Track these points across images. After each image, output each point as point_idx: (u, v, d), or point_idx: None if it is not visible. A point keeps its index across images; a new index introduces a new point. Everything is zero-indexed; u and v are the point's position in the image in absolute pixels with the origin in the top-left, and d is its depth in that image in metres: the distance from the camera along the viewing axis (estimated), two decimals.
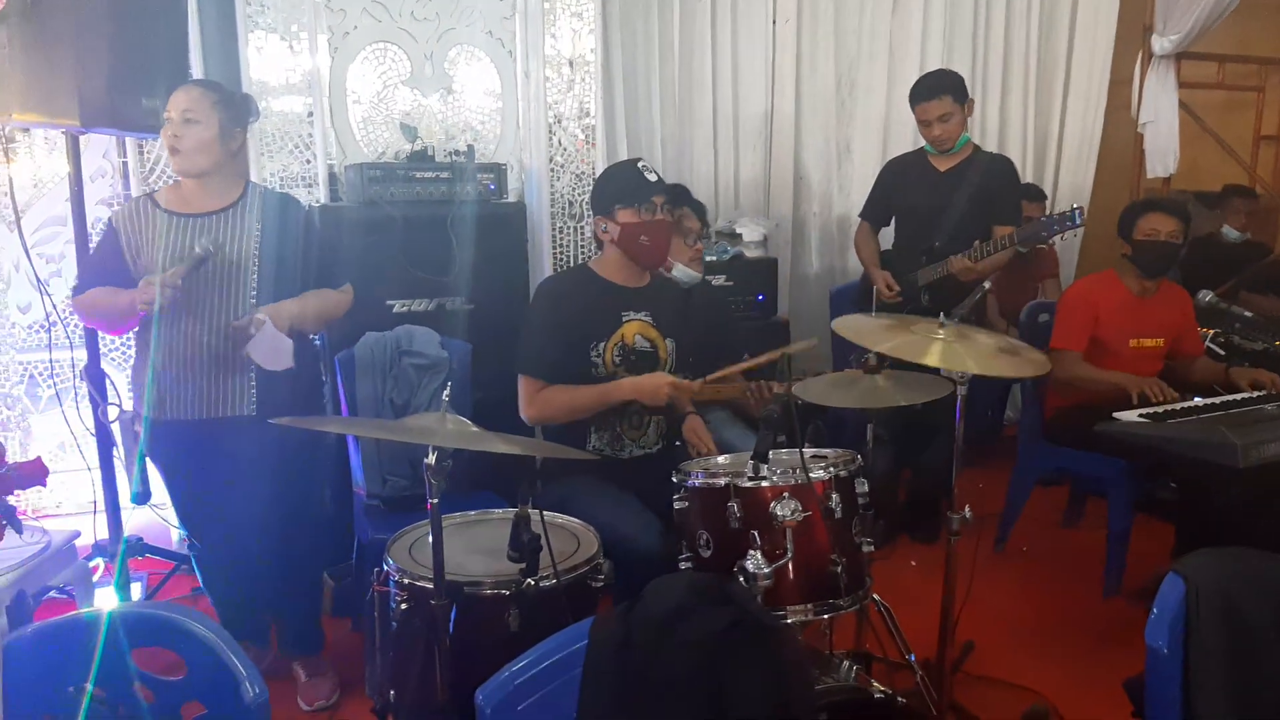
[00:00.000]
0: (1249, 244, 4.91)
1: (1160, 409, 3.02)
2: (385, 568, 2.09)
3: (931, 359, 2.14)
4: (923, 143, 3.77)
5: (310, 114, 3.62)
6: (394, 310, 3.48)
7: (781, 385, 1.96)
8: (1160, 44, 4.61)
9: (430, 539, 2.04)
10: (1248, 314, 3.24)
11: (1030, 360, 2.32)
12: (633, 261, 2.61)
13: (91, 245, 3.34)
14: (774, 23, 4.66)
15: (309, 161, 3.58)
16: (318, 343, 2.97)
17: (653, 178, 2.57)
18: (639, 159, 2.64)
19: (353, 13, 3.68)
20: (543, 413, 2.56)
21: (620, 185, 2.60)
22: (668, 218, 2.62)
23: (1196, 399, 3.14)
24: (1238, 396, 3.14)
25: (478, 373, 3.24)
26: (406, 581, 2.01)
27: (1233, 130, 5.27)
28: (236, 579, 2.61)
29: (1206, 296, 3.36)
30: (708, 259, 4.22)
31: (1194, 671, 1.52)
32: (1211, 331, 3.71)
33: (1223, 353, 3.67)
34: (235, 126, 2.49)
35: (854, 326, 2.34)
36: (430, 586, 1.91)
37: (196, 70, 3.30)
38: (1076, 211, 3.30)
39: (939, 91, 3.59)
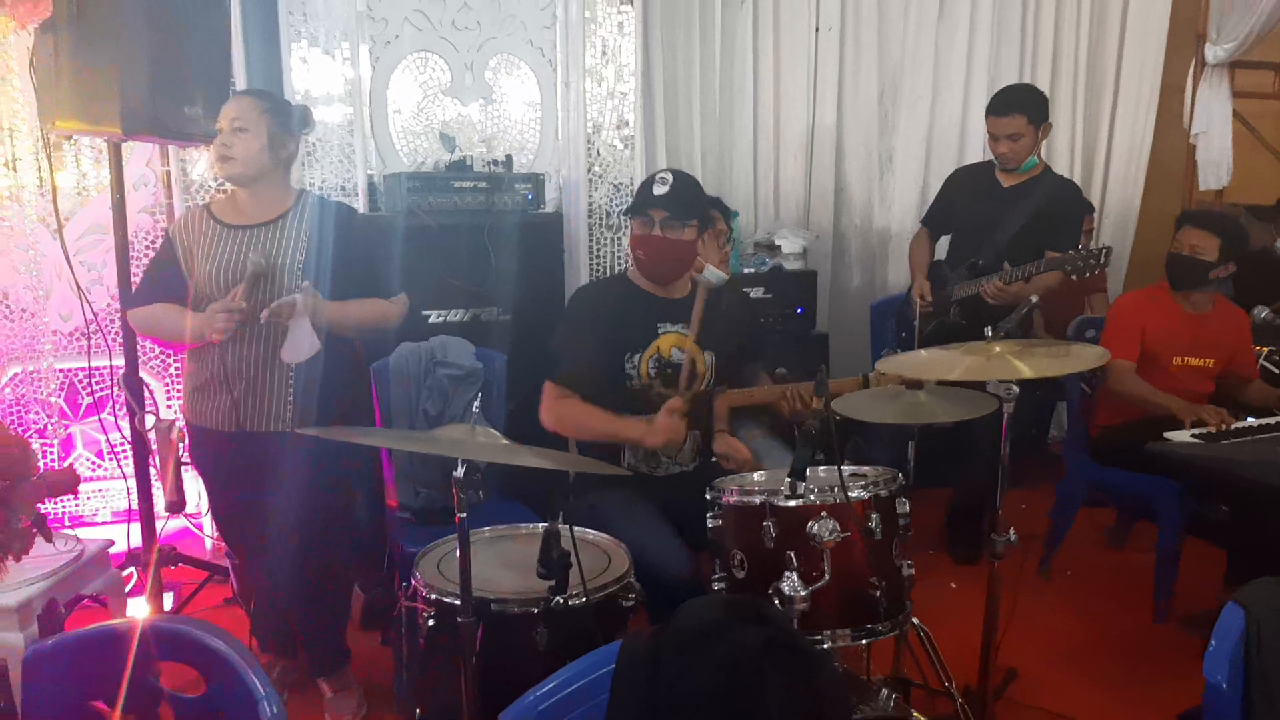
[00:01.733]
0: None
1: (1213, 429, 2.92)
2: (413, 582, 2.06)
3: (990, 374, 2.11)
4: (972, 157, 3.70)
5: (350, 123, 3.63)
6: (429, 320, 3.48)
7: (818, 399, 1.90)
8: (1214, 52, 4.50)
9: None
10: None
11: (1082, 356, 2.28)
12: (647, 275, 2.57)
13: (136, 253, 3.41)
14: (816, 31, 4.60)
15: (349, 171, 3.59)
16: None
17: (660, 190, 2.47)
18: (665, 170, 2.58)
19: (394, 22, 3.69)
20: (557, 424, 2.51)
21: (634, 195, 2.59)
22: (671, 235, 2.48)
23: (1250, 419, 3.03)
24: None
25: (513, 384, 3.22)
26: (434, 597, 1.98)
27: None
28: (269, 591, 2.60)
29: (1262, 313, 3.24)
30: (746, 271, 4.18)
31: (1256, 708, 1.44)
32: (1267, 350, 3.58)
33: (1277, 371, 3.54)
34: (286, 135, 2.46)
35: (902, 363, 2.30)
36: (458, 603, 1.88)
37: (239, 80, 3.32)
38: (1103, 252, 3.18)
39: (1013, 109, 3.48)
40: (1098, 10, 4.92)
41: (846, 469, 1.97)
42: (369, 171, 3.72)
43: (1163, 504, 3.20)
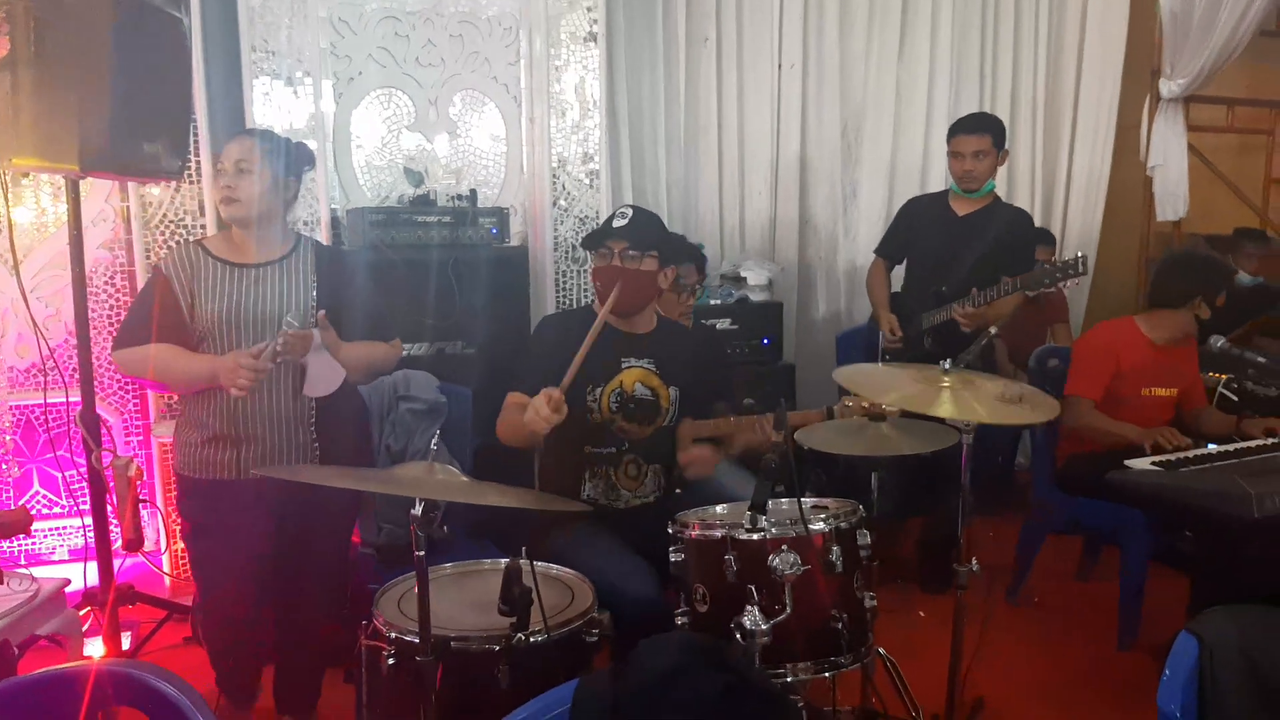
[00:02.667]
0: (1261, 288, 4.84)
1: (1174, 457, 2.95)
2: (373, 620, 2.03)
3: (937, 409, 2.09)
4: (932, 185, 3.75)
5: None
6: (400, 350, 3.45)
7: (778, 433, 1.90)
8: (1169, 87, 4.60)
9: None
10: (1261, 359, 3.18)
11: (1036, 407, 2.26)
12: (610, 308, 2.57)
13: (94, 289, 3.37)
14: (779, 68, 4.67)
15: (311, 205, 3.57)
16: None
17: (619, 223, 2.48)
18: (626, 206, 2.60)
19: (358, 59, 3.70)
20: (500, 431, 2.48)
21: (596, 231, 2.59)
22: (630, 266, 2.47)
23: (1211, 446, 3.07)
24: (1253, 444, 3.07)
25: (479, 418, 3.20)
26: (394, 635, 1.95)
27: (1244, 173, 5.25)
28: (241, 635, 2.53)
29: (1219, 342, 3.29)
30: (712, 303, 4.20)
31: None
32: (1224, 377, 3.64)
33: (1236, 399, 3.59)
34: (289, 176, 2.45)
35: (857, 377, 2.30)
36: (417, 641, 1.85)
37: (200, 115, 3.31)
38: (1080, 260, 3.25)
39: (981, 129, 3.59)
40: (1054, 47, 5.03)
41: (807, 501, 1.97)
42: (332, 206, 3.71)
43: (1127, 533, 3.22)
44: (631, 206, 2.57)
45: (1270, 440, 3.11)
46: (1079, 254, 3.28)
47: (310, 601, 2.54)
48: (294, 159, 2.47)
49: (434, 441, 1.87)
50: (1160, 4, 4.50)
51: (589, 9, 3.88)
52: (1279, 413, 3.33)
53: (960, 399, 2.12)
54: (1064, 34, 5.05)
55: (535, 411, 2.20)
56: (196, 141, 3.33)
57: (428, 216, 3.55)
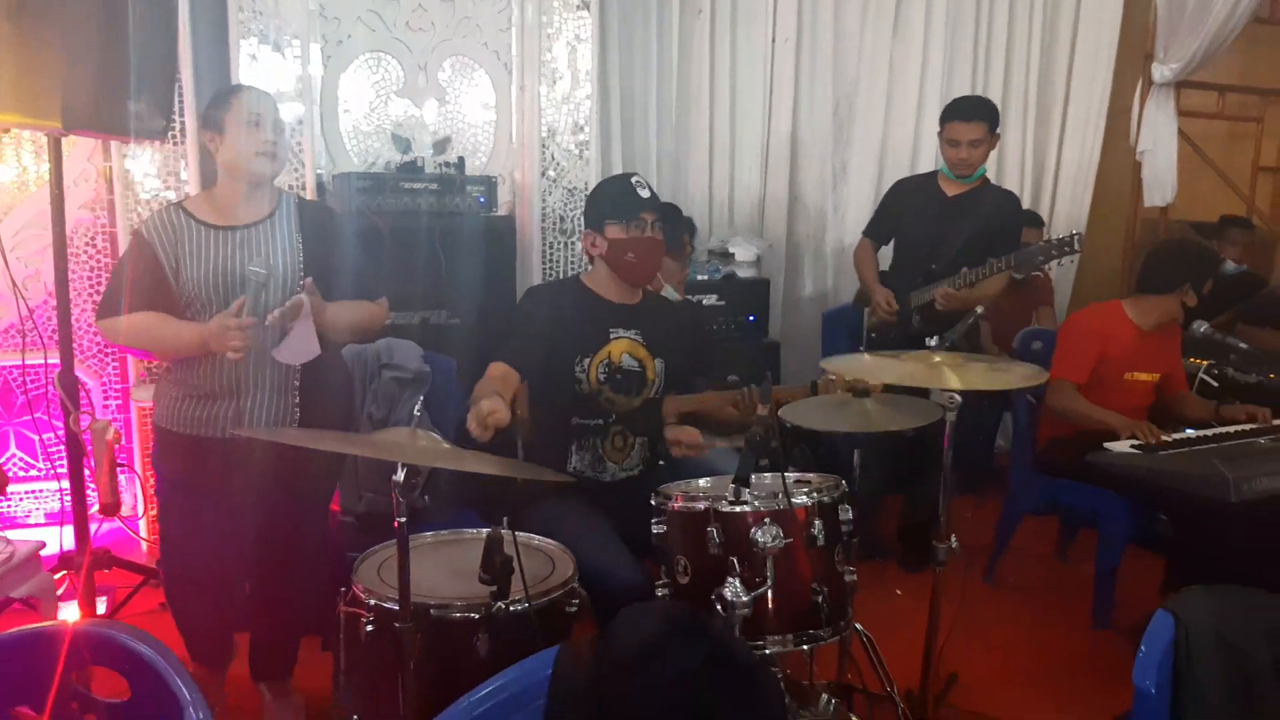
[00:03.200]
0: (1245, 276, 4.87)
1: (1152, 440, 2.98)
2: (352, 588, 2.02)
3: (937, 381, 2.14)
4: (923, 167, 3.74)
5: (300, 122, 3.58)
6: (386, 310, 3.43)
7: (763, 406, 1.90)
8: (1160, 72, 4.60)
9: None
10: (1243, 346, 3.20)
11: (1021, 374, 2.32)
12: (620, 278, 2.57)
13: (74, 249, 3.33)
14: (773, 42, 4.63)
15: (297, 170, 3.53)
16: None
17: (645, 194, 2.52)
18: (633, 174, 2.60)
19: (347, 21, 3.65)
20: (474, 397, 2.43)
21: (612, 200, 2.56)
22: (658, 236, 2.56)
23: (1189, 430, 3.09)
24: (1231, 429, 3.10)
25: (463, 389, 3.19)
26: (373, 603, 1.95)
27: (1232, 161, 5.26)
28: (207, 596, 2.52)
29: (1202, 328, 3.32)
30: (699, 278, 4.19)
31: (1188, 715, 1.46)
32: (1205, 363, 3.67)
33: (1216, 385, 3.62)
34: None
35: (847, 365, 2.31)
36: (396, 608, 1.85)
37: (185, 76, 3.26)
38: (1076, 237, 3.26)
39: (977, 116, 3.56)
40: (1048, 28, 5.02)
41: (790, 476, 1.97)
42: (318, 170, 3.67)
43: (1104, 514, 3.25)
44: (638, 174, 2.59)
45: (1249, 426, 3.14)
46: (1074, 232, 3.29)
47: (287, 567, 2.52)
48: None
49: (417, 408, 1.85)
50: None
51: None
52: (1258, 399, 3.35)
53: (959, 372, 2.17)
54: (1058, 16, 5.03)
55: (471, 420, 2.15)
56: (180, 102, 3.28)
57: (415, 184, 3.52)
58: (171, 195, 3.35)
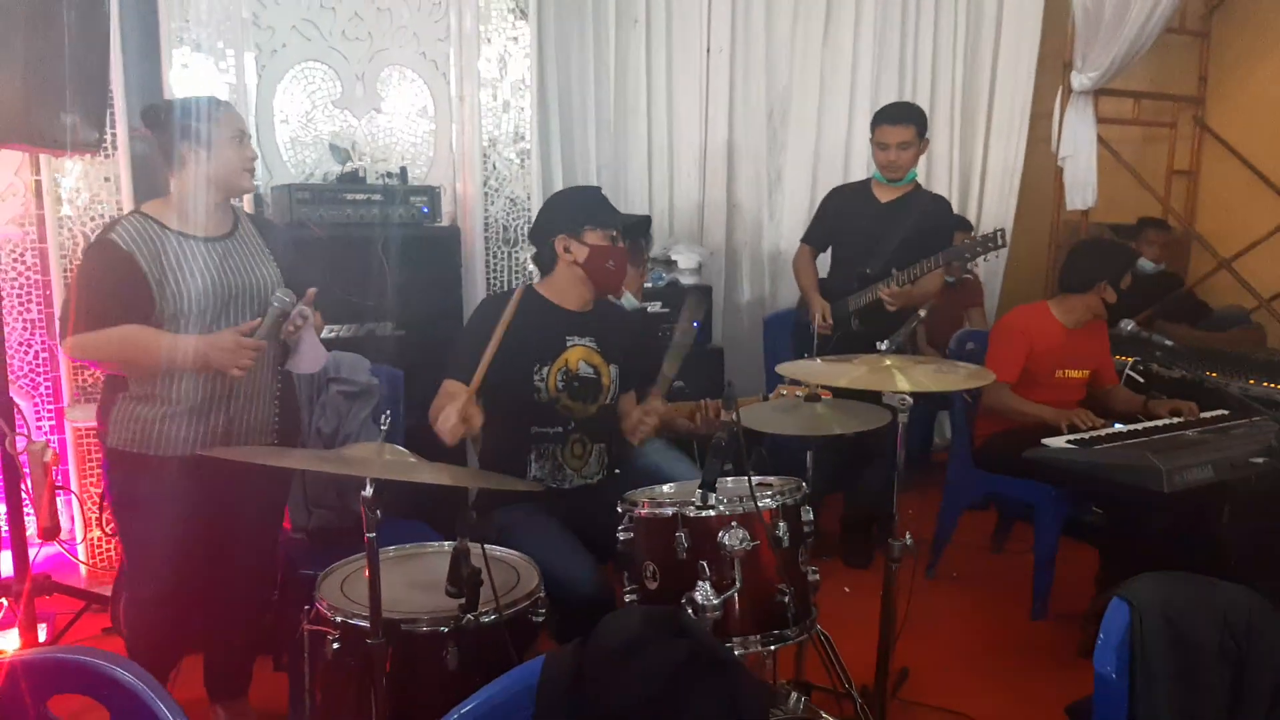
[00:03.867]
0: (1163, 275, 5.09)
1: (1087, 435, 3.10)
2: (316, 605, 2.00)
3: (893, 385, 2.20)
4: (857, 175, 3.84)
5: None
6: (321, 336, 3.38)
7: (728, 413, 1.94)
8: (1079, 80, 4.77)
9: (362, 574, 1.98)
10: (1168, 343, 3.35)
11: (970, 374, 2.43)
12: (592, 284, 2.59)
13: (1, 266, 3.21)
14: (708, 52, 4.69)
15: None
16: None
17: (611, 203, 2.63)
18: (599, 186, 2.67)
19: (282, 31, 3.59)
20: (433, 419, 2.42)
21: (592, 207, 2.60)
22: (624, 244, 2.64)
23: (1118, 425, 3.23)
24: (1160, 423, 3.24)
25: (410, 400, 3.16)
26: (339, 620, 1.93)
27: (1147, 164, 5.47)
28: (176, 621, 2.43)
29: (1129, 326, 3.46)
30: (644, 286, 4.23)
31: (1140, 695, 1.53)
32: (1132, 360, 3.82)
33: (1142, 380, 3.78)
34: None
35: (802, 370, 2.37)
36: (364, 624, 1.84)
37: (117, 86, 3.18)
38: (1000, 233, 3.39)
39: (905, 119, 3.68)
40: (972, 38, 5.17)
41: (754, 479, 2.01)
42: (254, 182, 3.59)
43: (1040, 507, 3.37)
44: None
45: (1176, 420, 3.29)
46: (998, 229, 3.41)
47: (244, 585, 2.49)
48: None
49: (384, 423, 1.84)
50: None
51: None
52: (1183, 393, 3.51)
53: (910, 374, 2.23)
54: (981, 26, 5.19)
55: (444, 423, 2.18)
56: (112, 113, 3.19)
57: (356, 194, 3.48)
58: (106, 208, 3.25)
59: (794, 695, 2.00)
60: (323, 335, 3.31)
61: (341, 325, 3.44)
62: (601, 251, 2.55)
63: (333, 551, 2.26)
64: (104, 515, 3.35)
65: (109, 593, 3.03)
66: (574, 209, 2.62)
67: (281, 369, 2.42)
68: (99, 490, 3.34)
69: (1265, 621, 1.62)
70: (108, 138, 3.20)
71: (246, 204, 3.51)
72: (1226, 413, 3.30)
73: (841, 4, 4.89)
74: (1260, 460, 2.79)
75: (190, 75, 3.39)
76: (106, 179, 3.29)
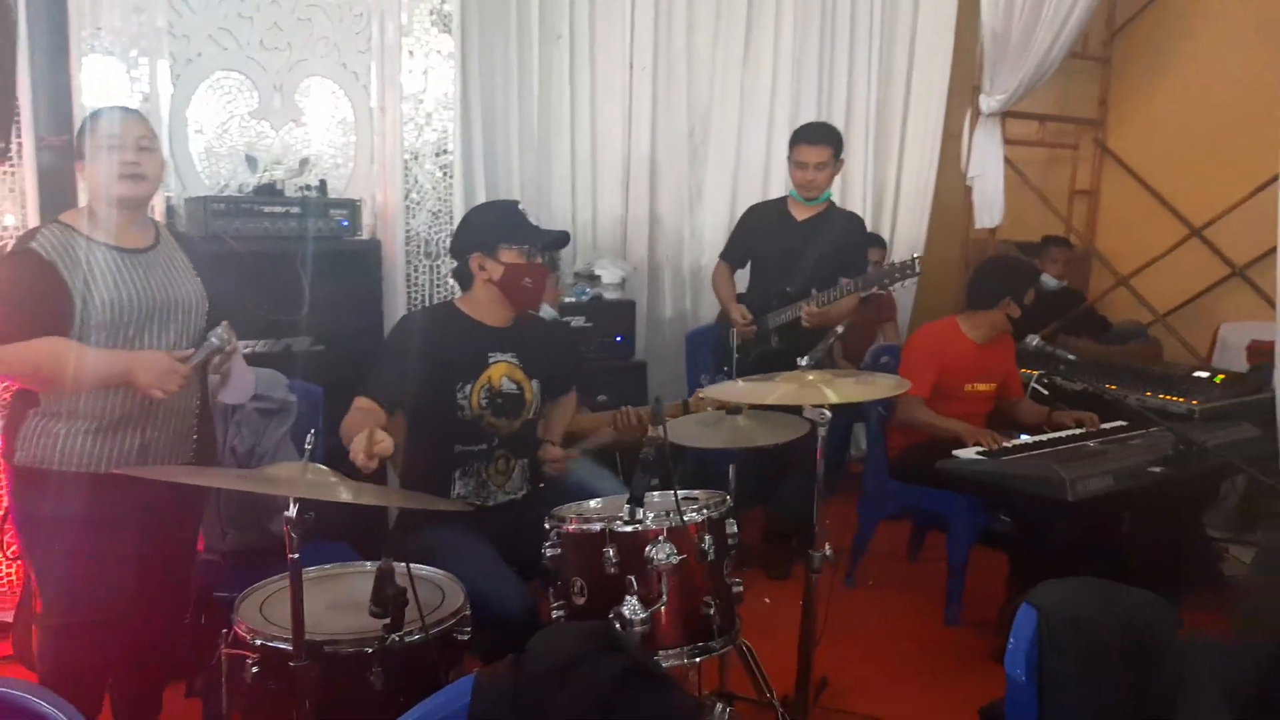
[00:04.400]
0: (1066, 291, 5.30)
1: (995, 446, 3.21)
2: (234, 628, 1.96)
3: (822, 398, 2.27)
4: (776, 192, 3.92)
5: None
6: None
7: (654, 427, 1.97)
8: (988, 103, 4.95)
9: (282, 596, 1.96)
10: (1071, 357, 3.49)
11: (885, 384, 2.53)
12: (509, 302, 2.58)
13: None
14: (631, 68, 4.74)
15: None
16: None
17: (533, 220, 2.60)
18: (517, 201, 2.65)
19: (197, 39, 3.51)
20: (344, 435, 2.39)
21: (507, 224, 2.58)
22: (543, 262, 2.62)
23: (1024, 437, 3.35)
24: (1064, 434, 3.38)
25: (330, 417, 3.11)
26: (259, 643, 1.89)
27: (1051, 184, 5.70)
28: (96, 647, 2.34)
29: (1034, 341, 3.60)
30: (567, 300, 4.24)
31: (1049, 695, 1.60)
32: (1037, 373, 3.97)
33: (1046, 393, 3.93)
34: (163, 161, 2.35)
35: (725, 390, 2.42)
36: (286, 647, 1.81)
37: (24, 95, 3.07)
38: (915, 261, 3.49)
39: (822, 140, 3.78)
40: (886, 62, 5.32)
41: (680, 493, 2.04)
42: (167, 193, 3.51)
43: (954, 517, 3.48)
44: (521, 202, 2.67)
45: (1079, 430, 3.43)
46: (913, 255, 3.52)
47: (156, 609, 2.40)
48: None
49: (309, 441, 1.82)
50: (982, 25, 4.84)
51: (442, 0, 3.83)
52: (1085, 405, 3.66)
53: (836, 387, 2.32)
54: (895, 49, 5.34)
55: (354, 457, 2.09)
56: (18, 123, 3.08)
57: (274, 207, 3.41)
58: (10, 220, 3.14)
59: (719, 706, 2.03)
60: (241, 351, 3.26)
61: (258, 340, 3.37)
62: (517, 269, 2.54)
63: (249, 573, 2.22)
64: (3, 538, 3.21)
65: (9, 619, 2.90)
66: (489, 226, 2.60)
67: (204, 388, 2.37)
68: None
69: (1165, 624, 1.71)
70: (13, 147, 3.08)
71: (158, 215, 3.42)
72: (1125, 424, 3.45)
73: (761, 26, 4.99)
74: (1158, 469, 2.93)
75: (101, 84, 3.29)
76: (11, 190, 3.17)
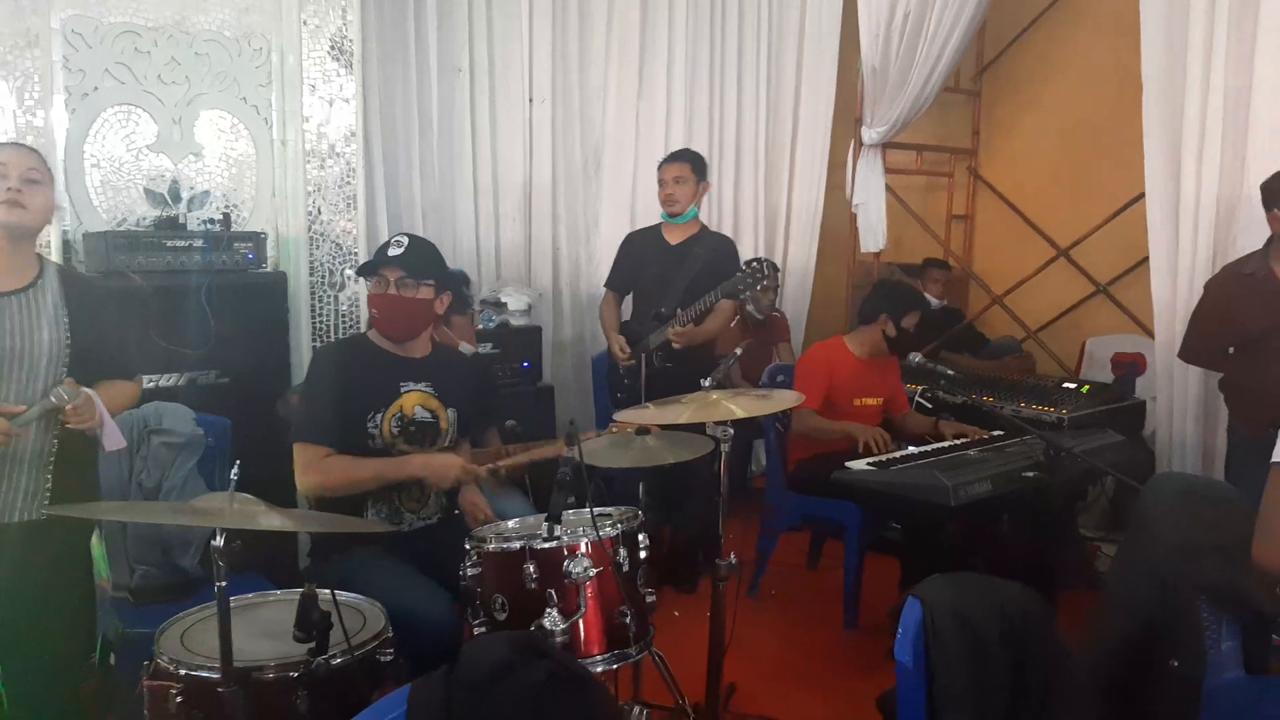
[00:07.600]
0: (946, 310, 5.61)
1: (884, 458, 3.42)
2: (155, 660, 1.98)
3: (729, 414, 2.43)
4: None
5: None
6: (143, 386, 3.28)
7: (570, 449, 2.08)
8: (869, 134, 5.24)
9: (202, 626, 2.00)
10: (950, 372, 3.74)
11: (785, 398, 2.72)
12: (379, 332, 2.64)
13: None
14: (530, 101, 4.86)
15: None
16: None
17: (395, 251, 2.56)
18: (401, 233, 2.70)
19: (93, 73, 3.48)
20: (325, 481, 2.47)
21: (371, 258, 2.65)
22: (407, 295, 2.56)
23: (911, 448, 3.57)
24: (945, 444, 3.61)
25: (237, 449, 3.12)
26: (183, 672, 1.92)
27: (930, 210, 6.05)
28: None
29: (916, 358, 3.84)
30: (476, 328, 4.31)
31: (937, 681, 1.76)
32: (920, 388, 4.22)
33: (930, 406, 4.17)
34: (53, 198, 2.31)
35: (635, 415, 2.55)
36: (211, 675, 1.85)
37: None
38: (766, 262, 3.70)
39: (679, 159, 4.05)
40: (774, 95, 5.58)
41: (595, 510, 2.15)
42: (63, 228, 3.46)
43: (849, 526, 3.68)
44: (407, 235, 2.64)
45: (960, 440, 3.67)
46: (760, 257, 3.72)
47: (53, 650, 2.36)
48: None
49: (234, 472, 1.87)
50: (862, 61, 5.13)
51: (342, 32, 3.88)
52: (964, 416, 3.92)
53: (740, 403, 2.47)
54: (782, 84, 5.60)
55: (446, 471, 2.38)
56: None
57: (177, 241, 3.41)
58: None
59: (636, 709, 2.14)
60: (144, 385, 3.24)
61: (162, 375, 3.35)
62: (373, 300, 2.62)
63: (159, 609, 2.23)
64: None
65: None
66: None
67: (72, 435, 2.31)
68: None
69: (1037, 612, 1.89)
70: None
71: (54, 250, 3.38)
72: (1002, 433, 3.71)
73: (655, 60, 5.18)
74: (1030, 474, 3.17)
75: None
76: None
